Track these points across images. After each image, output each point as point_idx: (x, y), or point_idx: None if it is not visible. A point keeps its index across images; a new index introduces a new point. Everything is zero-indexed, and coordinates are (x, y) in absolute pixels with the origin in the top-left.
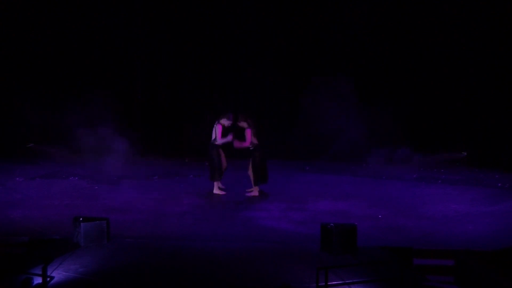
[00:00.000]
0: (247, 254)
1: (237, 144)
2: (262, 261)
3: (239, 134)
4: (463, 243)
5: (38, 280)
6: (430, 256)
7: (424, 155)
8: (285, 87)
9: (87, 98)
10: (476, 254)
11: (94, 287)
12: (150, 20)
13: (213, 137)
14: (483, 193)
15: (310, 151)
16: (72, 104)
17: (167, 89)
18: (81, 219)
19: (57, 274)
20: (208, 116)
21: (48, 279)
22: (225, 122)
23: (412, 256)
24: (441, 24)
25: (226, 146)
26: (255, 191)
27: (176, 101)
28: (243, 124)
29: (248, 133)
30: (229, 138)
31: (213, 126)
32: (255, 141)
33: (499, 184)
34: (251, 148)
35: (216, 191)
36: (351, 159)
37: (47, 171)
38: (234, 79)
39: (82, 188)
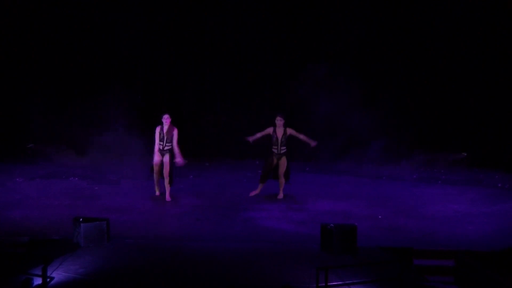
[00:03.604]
0: (247, 254)
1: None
2: (262, 261)
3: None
4: (463, 243)
5: (38, 280)
6: (430, 256)
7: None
8: (285, 86)
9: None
10: (476, 254)
11: (94, 287)
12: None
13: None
14: (483, 193)
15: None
16: (74, 105)
17: (167, 89)
18: (81, 219)
19: (57, 274)
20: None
21: (48, 279)
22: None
23: (412, 256)
24: (441, 23)
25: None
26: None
27: (176, 101)
28: (280, 122)
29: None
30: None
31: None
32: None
33: (499, 184)
34: (282, 151)
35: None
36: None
37: (47, 171)
38: (234, 79)
39: (82, 188)
